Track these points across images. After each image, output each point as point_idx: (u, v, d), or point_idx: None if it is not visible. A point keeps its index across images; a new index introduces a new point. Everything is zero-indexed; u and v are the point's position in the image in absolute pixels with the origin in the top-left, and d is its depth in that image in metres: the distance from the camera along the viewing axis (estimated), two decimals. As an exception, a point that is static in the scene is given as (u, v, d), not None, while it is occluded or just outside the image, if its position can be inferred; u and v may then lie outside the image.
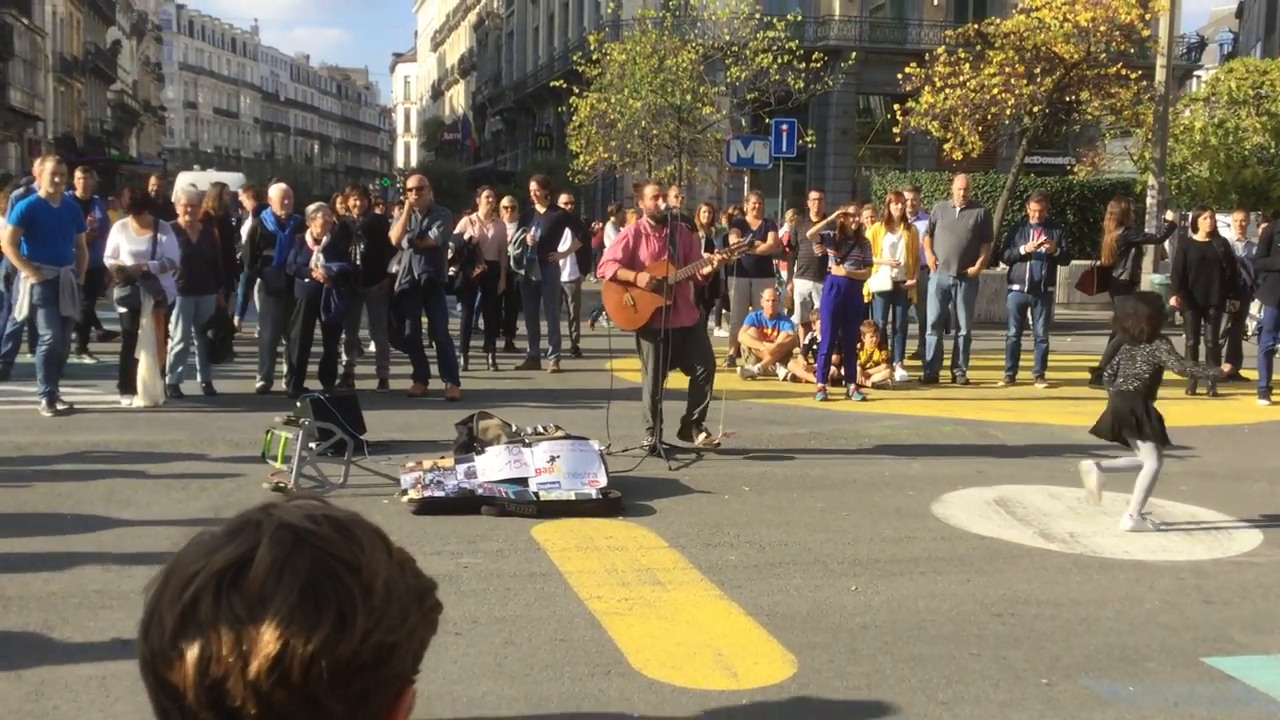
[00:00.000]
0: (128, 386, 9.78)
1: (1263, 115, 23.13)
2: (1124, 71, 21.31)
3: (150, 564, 5.44)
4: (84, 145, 52.31)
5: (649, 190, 8.72)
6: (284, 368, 10.72)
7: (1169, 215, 14.86)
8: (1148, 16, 20.59)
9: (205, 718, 0.88)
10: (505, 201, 13.27)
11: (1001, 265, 14.11)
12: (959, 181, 12.77)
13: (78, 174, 11.43)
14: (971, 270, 12.17)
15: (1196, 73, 42.36)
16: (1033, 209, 12.37)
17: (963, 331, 12.22)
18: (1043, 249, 11.97)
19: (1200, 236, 12.07)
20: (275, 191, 10.96)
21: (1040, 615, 5.24)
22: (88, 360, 12.08)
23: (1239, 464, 8.69)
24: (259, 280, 10.71)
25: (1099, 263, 13.52)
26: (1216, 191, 22.43)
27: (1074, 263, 14.51)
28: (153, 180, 13.60)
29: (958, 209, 12.43)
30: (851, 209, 11.17)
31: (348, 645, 0.89)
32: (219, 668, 0.87)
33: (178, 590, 0.91)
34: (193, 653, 0.88)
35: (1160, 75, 20.55)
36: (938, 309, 12.39)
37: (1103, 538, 6.56)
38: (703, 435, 8.52)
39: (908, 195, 13.01)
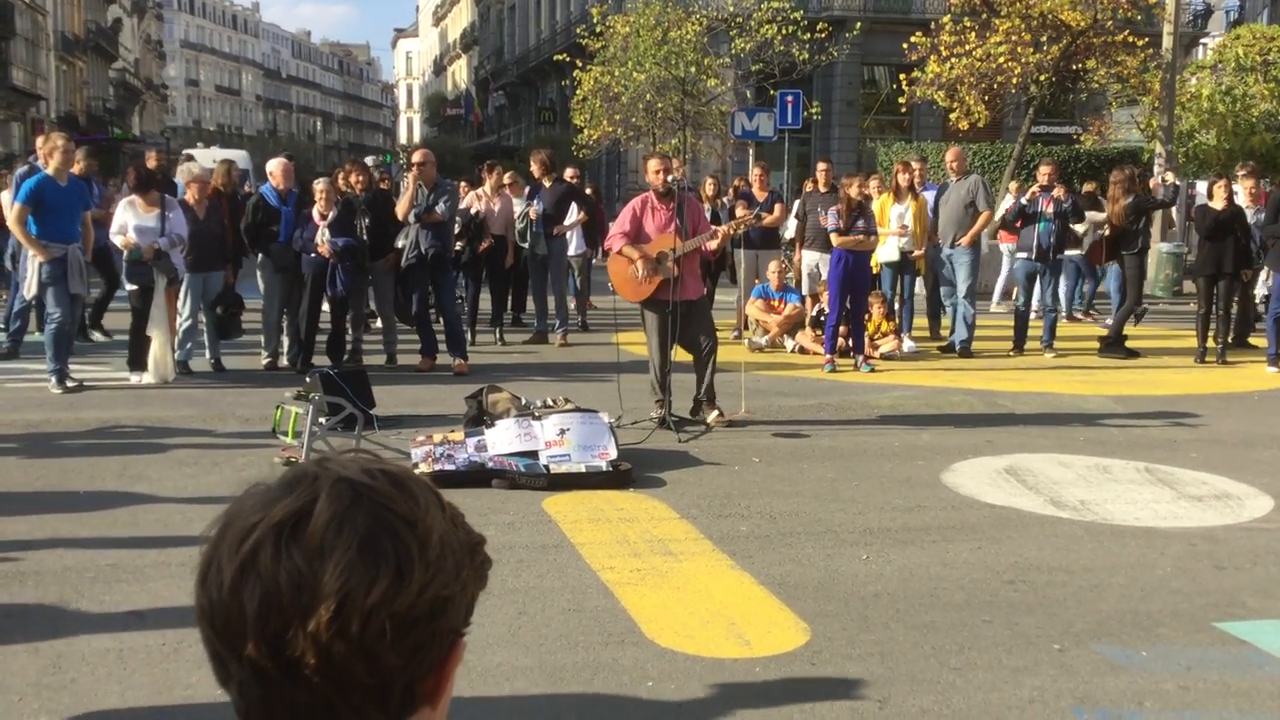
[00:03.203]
0: (138, 363, 9.80)
1: (1270, 82, 22.97)
2: (1130, 39, 21.16)
3: (164, 538, 5.51)
4: (86, 124, 52.21)
5: (652, 164, 8.70)
6: (286, 342, 10.74)
7: (1169, 176, 14.75)
8: (1155, -17, 20.45)
9: (264, 666, 0.90)
10: (507, 178, 13.25)
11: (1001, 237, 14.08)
12: (952, 152, 12.80)
13: (77, 154, 11.38)
14: (964, 240, 12.15)
15: (1203, 40, 42.05)
16: (1043, 172, 12.35)
17: (959, 299, 12.20)
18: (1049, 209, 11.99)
19: (1216, 204, 12.02)
20: (275, 165, 10.92)
21: (1052, 582, 5.25)
22: (99, 337, 12.11)
23: (1249, 431, 8.68)
24: (261, 256, 10.69)
25: (1104, 232, 13.50)
26: (1224, 159, 22.31)
27: (1090, 216, 14.35)
28: (152, 156, 13.54)
29: (953, 180, 12.48)
30: (856, 184, 11.11)
31: (405, 598, 0.90)
32: (279, 619, 0.89)
33: (236, 541, 0.92)
34: (253, 604, 0.89)
35: (1167, 42, 20.43)
36: (946, 279, 12.41)
37: (1113, 504, 6.56)
38: (715, 413, 8.50)
39: (914, 165, 12.98)
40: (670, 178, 8.54)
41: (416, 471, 6.63)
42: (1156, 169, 19.93)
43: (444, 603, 0.93)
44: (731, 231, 9.28)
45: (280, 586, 0.89)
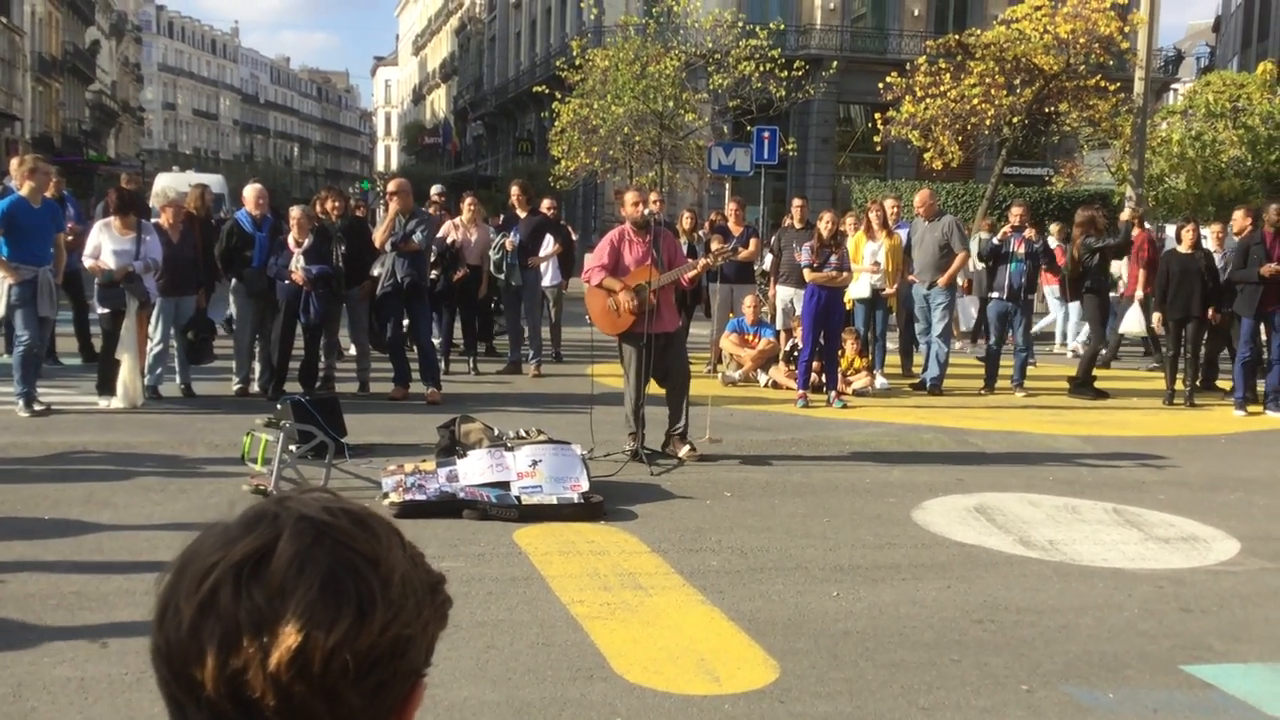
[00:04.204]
0: (107, 387, 9.72)
1: (1239, 128, 23.35)
2: (1102, 83, 21.49)
3: (129, 566, 5.44)
4: (62, 145, 51.98)
5: (629, 197, 8.74)
6: (258, 368, 10.69)
7: (1124, 214, 14.80)
8: (1126, 29, 20.76)
9: (223, 708, 0.88)
10: (466, 203, 13.14)
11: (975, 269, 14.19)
12: (920, 196, 12.88)
13: (51, 174, 11.34)
14: (941, 280, 12.22)
15: (1174, 85, 42.76)
16: (1015, 213, 12.49)
17: (934, 338, 12.25)
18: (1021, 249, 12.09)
19: (1183, 248, 12.16)
20: (250, 191, 10.92)
21: (1020, 622, 5.26)
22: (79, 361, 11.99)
23: (1216, 473, 8.75)
24: (234, 281, 10.66)
25: (1066, 272, 13.66)
26: (1193, 203, 22.62)
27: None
28: (124, 179, 13.48)
29: (925, 222, 12.55)
30: (827, 219, 11.19)
31: (367, 638, 0.90)
32: (239, 659, 0.87)
33: (195, 582, 0.91)
34: (212, 645, 0.88)
35: (1138, 87, 20.73)
36: (921, 319, 12.50)
37: (1082, 545, 6.59)
38: (686, 448, 8.52)
39: (888, 204, 13.10)
40: (647, 211, 8.59)
41: (387, 501, 6.62)
42: (1126, 210, 20.18)
43: (405, 642, 0.93)
44: (710, 264, 9.33)
45: (240, 626, 0.88)
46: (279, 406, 7.75)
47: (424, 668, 0.97)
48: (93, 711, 4.01)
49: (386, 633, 0.91)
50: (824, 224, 11.05)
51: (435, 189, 13.17)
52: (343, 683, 0.89)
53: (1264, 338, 11.71)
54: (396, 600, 0.92)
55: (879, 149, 26.43)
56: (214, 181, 25.54)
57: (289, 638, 0.87)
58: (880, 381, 12.37)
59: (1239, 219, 12.52)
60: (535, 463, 7.12)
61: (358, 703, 0.90)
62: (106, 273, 9.54)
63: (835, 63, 31.82)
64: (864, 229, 12.71)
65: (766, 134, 21.69)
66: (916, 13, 37.89)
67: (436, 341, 12.16)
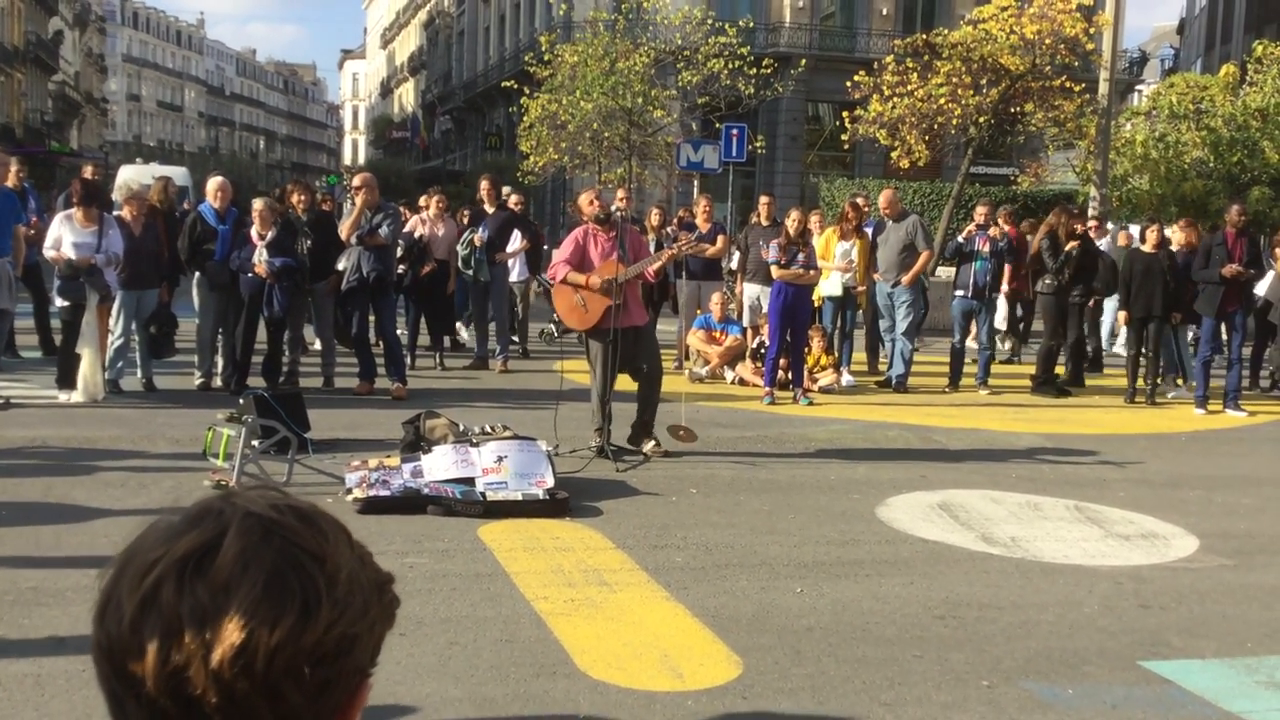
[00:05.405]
0: (67, 381, 9.61)
1: (1202, 130, 23.57)
2: (1068, 84, 21.66)
3: (87, 561, 5.39)
4: (23, 136, 51.31)
5: (584, 197, 8.78)
6: (220, 363, 10.59)
7: (1067, 245, 14.63)
8: (1092, 30, 20.95)
9: (164, 705, 0.87)
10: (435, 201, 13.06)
11: (944, 271, 14.27)
12: (884, 196, 12.94)
13: (12, 165, 11.22)
14: (905, 279, 12.29)
15: (1138, 87, 43.17)
16: (979, 211, 12.59)
17: (898, 335, 12.32)
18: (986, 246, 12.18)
19: (1147, 248, 12.28)
20: (212, 184, 10.82)
21: (982, 618, 5.30)
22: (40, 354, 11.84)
23: (1176, 471, 8.84)
24: (198, 274, 10.57)
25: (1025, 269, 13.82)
26: (1156, 204, 22.84)
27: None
28: (89, 169, 13.29)
29: (889, 222, 12.62)
30: (795, 216, 11.22)
31: (312, 635, 0.88)
32: (181, 656, 0.86)
33: (137, 577, 0.89)
34: (153, 640, 0.87)
35: (1103, 89, 20.91)
36: (886, 316, 12.57)
37: (1043, 542, 6.64)
38: (651, 444, 8.51)
39: (862, 204, 13.18)
40: (614, 207, 8.58)
41: (350, 497, 6.57)
42: (1092, 213, 20.36)
43: (351, 641, 0.92)
44: (675, 253, 9.34)
45: (182, 622, 0.86)
46: (241, 401, 7.69)
47: (370, 667, 0.96)
48: (49, 708, 3.97)
49: (332, 631, 0.90)
50: (791, 221, 11.08)
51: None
52: (286, 681, 0.87)
53: (1224, 337, 11.86)
54: (343, 598, 0.91)
55: (847, 147, 26.54)
56: (178, 174, 25.33)
57: (232, 634, 0.86)
58: (846, 379, 12.43)
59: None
60: (500, 459, 7.10)
61: (301, 701, 0.89)
62: (66, 263, 9.42)
63: (804, 61, 31.93)
64: (837, 228, 12.76)
65: (735, 131, 21.72)
66: (885, 12, 38.08)
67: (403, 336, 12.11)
